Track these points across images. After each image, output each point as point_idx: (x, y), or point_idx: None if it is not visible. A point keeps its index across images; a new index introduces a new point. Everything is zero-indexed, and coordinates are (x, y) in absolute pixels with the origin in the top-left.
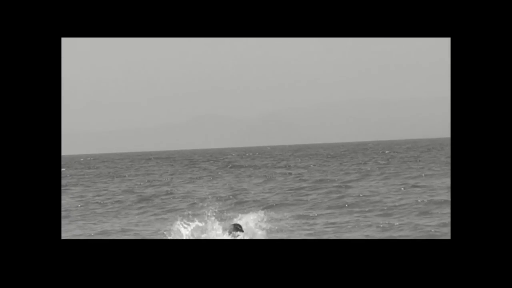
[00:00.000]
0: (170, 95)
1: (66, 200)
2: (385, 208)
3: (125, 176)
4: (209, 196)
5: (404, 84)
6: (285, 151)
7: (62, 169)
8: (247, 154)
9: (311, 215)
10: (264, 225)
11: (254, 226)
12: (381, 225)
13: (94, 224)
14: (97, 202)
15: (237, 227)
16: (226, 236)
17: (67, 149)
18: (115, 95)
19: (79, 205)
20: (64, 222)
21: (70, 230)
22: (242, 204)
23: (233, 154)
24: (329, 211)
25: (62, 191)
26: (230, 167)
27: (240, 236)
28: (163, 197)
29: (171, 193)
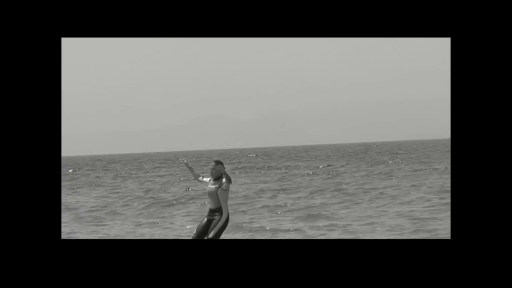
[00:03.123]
0: (171, 96)
1: (89, 203)
2: (413, 210)
3: (141, 177)
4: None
5: (407, 85)
6: (289, 152)
7: (69, 170)
8: (255, 155)
9: (336, 217)
10: (293, 228)
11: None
12: (408, 227)
13: (125, 225)
14: (122, 204)
15: (218, 162)
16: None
17: (70, 150)
18: (117, 97)
19: (102, 207)
20: (91, 223)
21: (98, 231)
22: (267, 207)
23: (240, 155)
24: (355, 212)
25: (83, 193)
26: (241, 168)
27: (217, 167)
28: (182, 200)
29: (190, 194)
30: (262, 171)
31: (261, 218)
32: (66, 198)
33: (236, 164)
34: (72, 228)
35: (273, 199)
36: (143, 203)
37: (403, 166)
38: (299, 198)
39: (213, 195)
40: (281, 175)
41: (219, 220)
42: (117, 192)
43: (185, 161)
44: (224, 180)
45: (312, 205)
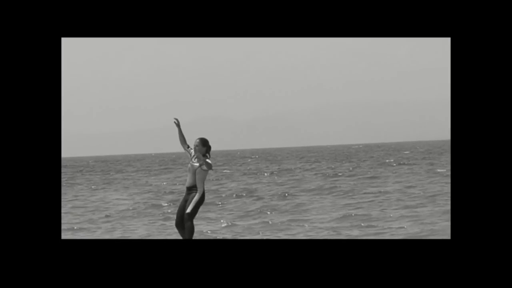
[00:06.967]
0: (170, 97)
1: (110, 203)
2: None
3: (154, 177)
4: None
5: (409, 86)
6: (293, 153)
7: (77, 171)
8: (257, 156)
9: (364, 218)
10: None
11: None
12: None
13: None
14: (146, 205)
15: (203, 143)
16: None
17: (70, 151)
18: (117, 97)
19: (123, 208)
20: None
21: (126, 232)
22: (294, 208)
23: (244, 156)
24: (384, 214)
25: (102, 194)
26: (249, 169)
27: (197, 147)
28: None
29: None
30: (275, 172)
31: (291, 218)
32: (87, 199)
33: (243, 165)
34: (98, 228)
35: (298, 200)
36: (164, 204)
37: (415, 167)
38: (324, 199)
39: (193, 172)
40: (297, 176)
41: (195, 195)
42: (137, 193)
43: (178, 122)
44: (207, 160)
45: (342, 206)
